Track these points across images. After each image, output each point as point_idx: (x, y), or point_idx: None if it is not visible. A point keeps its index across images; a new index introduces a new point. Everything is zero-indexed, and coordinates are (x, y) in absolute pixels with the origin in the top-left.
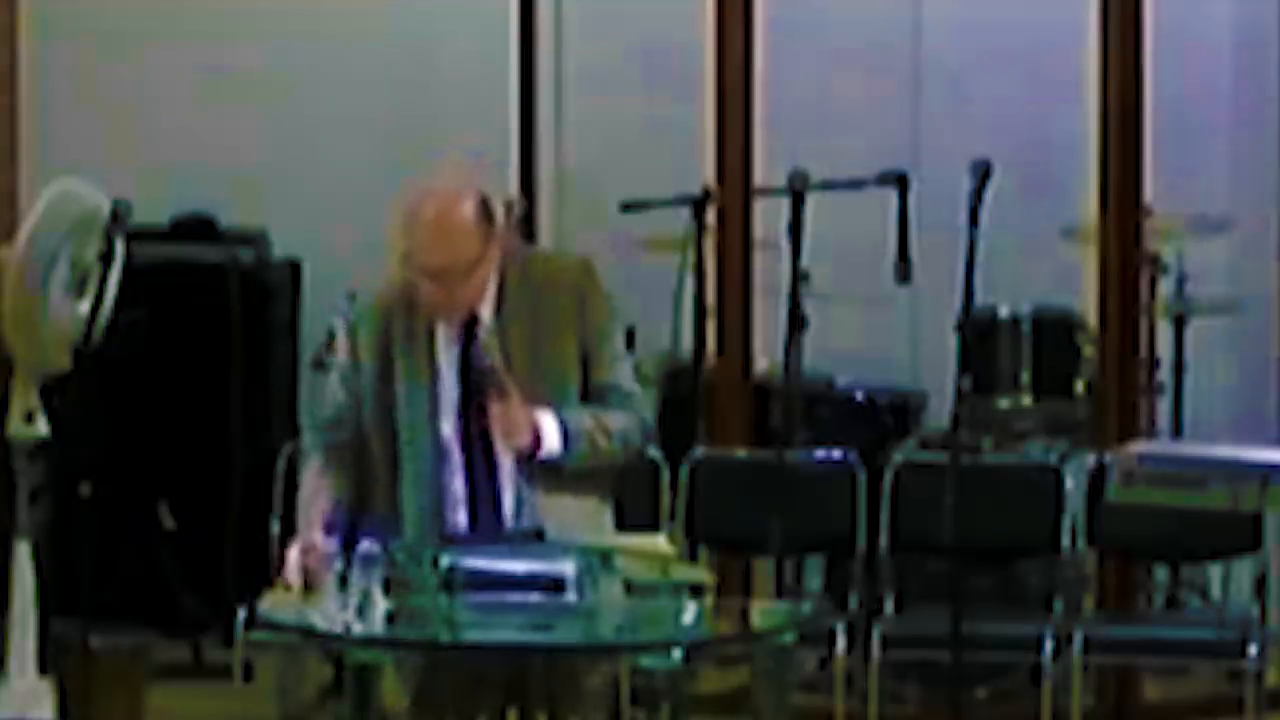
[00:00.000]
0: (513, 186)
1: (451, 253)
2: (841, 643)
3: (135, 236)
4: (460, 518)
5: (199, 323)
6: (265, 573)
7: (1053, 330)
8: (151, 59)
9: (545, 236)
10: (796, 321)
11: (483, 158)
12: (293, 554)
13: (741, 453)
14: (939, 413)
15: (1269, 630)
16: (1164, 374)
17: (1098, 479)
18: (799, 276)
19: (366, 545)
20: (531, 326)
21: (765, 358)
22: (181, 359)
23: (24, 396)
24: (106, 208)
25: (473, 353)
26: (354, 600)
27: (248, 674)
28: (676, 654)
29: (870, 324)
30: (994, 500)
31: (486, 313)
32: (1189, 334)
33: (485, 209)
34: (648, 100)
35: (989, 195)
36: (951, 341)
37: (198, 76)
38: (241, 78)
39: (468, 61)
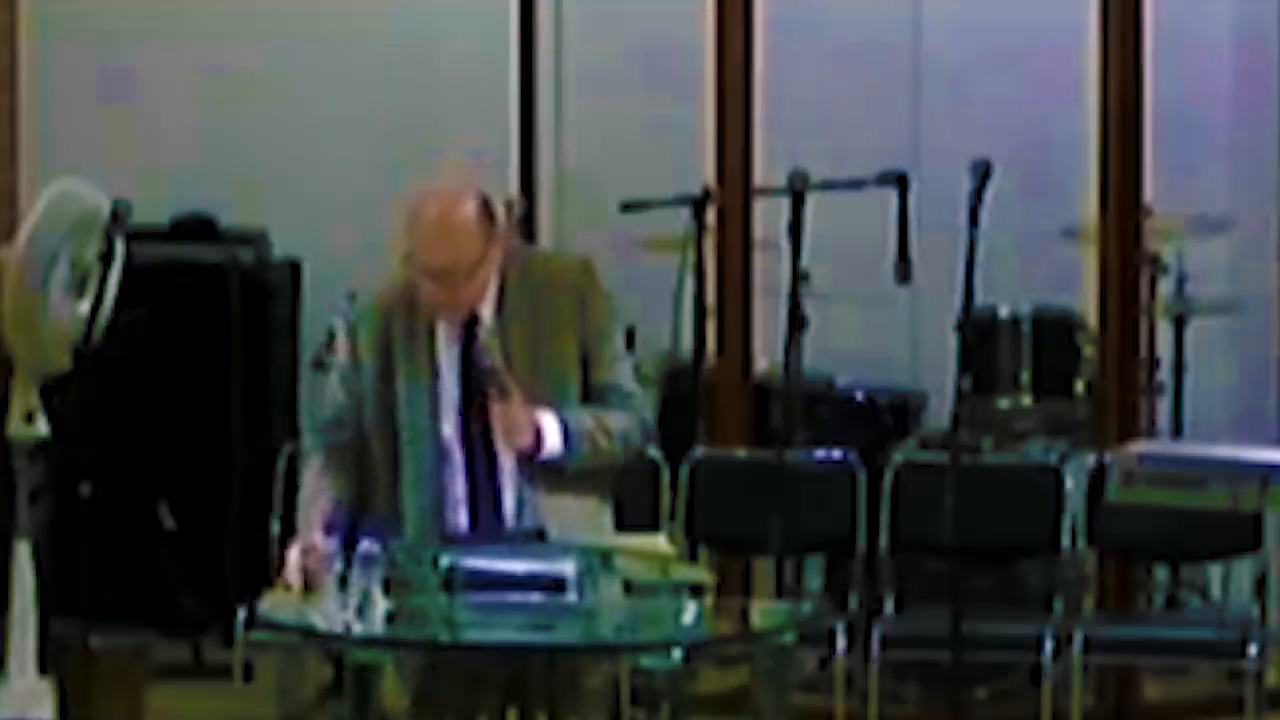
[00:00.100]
0: (513, 186)
1: (453, 253)
2: (841, 643)
3: (135, 236)
4: (461, 518)
5: (199, 323)
6: (265, 573)
7: (1053, 330)
8: (151, 59)
9: (545, 236)
10: (796, 321)
11: (483, 158)
12: (293, 555)
13: (741, 453)
14: (939, 413)
15: (1269, 630)
16: (1164, 374)
17: (1098, 479)
18: (799, 276)
19: (366, 545)
20: (532, 326)
21: (765, 358)
22: (181, 359)
23: (24, 396)
24: (106, 208)
25: (473, 353)
26: (354, 600)
27: (248, 674)
28: (676, 654)
29: (870, 324)
30: (994, 500)
31: (487, 313)
32: (1189, 334)
33: (487, 209)
34: (648, 100)
35: (989, 195)
36: (951, 341)
37: (198, 76)
38: (241, 78)
39: (468, 61)
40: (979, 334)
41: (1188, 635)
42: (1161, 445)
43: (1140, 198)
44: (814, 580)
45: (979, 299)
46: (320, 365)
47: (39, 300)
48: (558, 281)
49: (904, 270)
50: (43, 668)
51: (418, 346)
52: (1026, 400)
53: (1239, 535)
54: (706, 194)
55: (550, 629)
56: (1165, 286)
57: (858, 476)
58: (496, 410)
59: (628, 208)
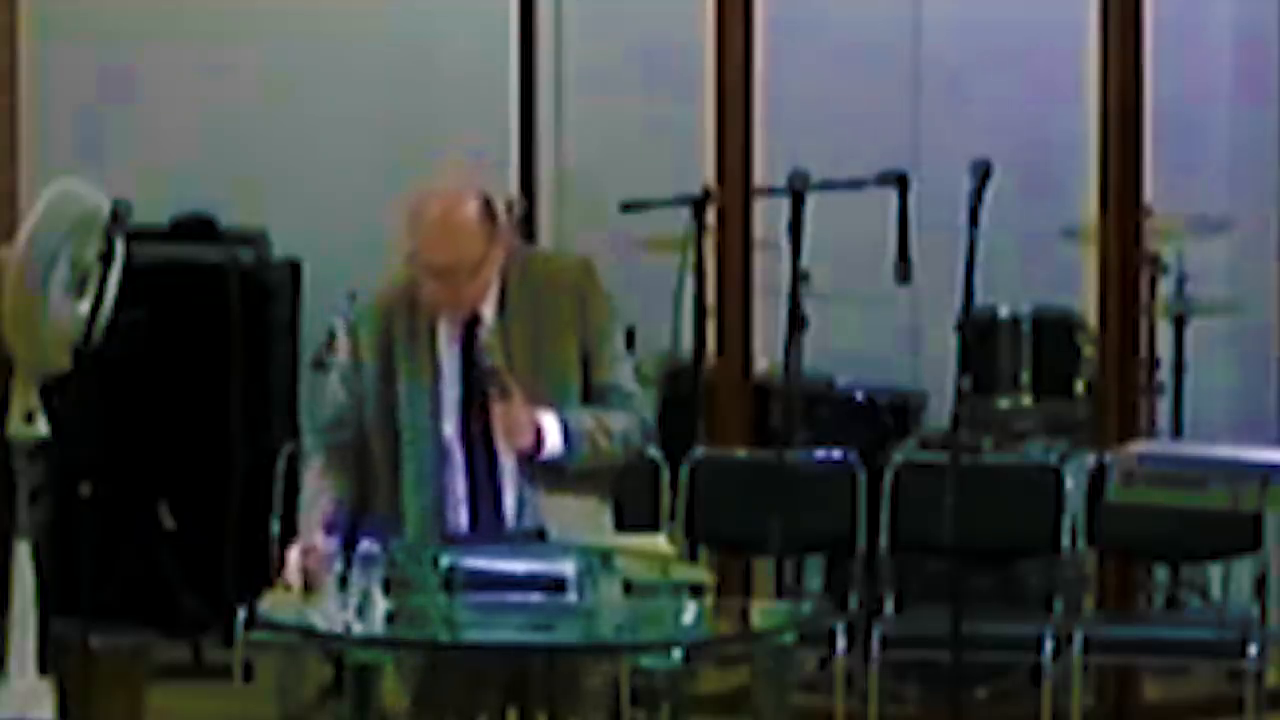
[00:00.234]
0: (513, 186)
1: (456, 251)
2: (841, 643)
3: (135, 236)
4: (461, 518)
5: (199, 323)
6: (265, 573)
7: (1053, 330)
8: (151, 59)
9: (545, 236)
10: (796, 321)
11: (483, 158)
12: (293, 555)
13: (741, 453)
14: (939, 413)
15: (1269, 630)
16: (1164, 374)
17: (1098, 479)
18: (799, 276)
19: (366, 545)
20: (533, 327)
21: (765, 358)
22: (181, 359)
23: (24, 396)
24: (106, 208)
25: (474, 352)
26: (354, 600)
27: (248, 674)
28: (676, 654)
29: (870, 324)
30: (994, 500)
31: (489, 312)
32: (1189, 334)
33: (489, 208)
34: (648, 100)
35: (989, 195)
36: (951, 341)
37: (198, 76)
38: (241, 78)
39: (468, 61)
40: (979, 334)
41: (1188, 635)
42: (1161, 445)
43: (1140, 198)
44: (814, 580)
45: (979, 299)
46: (320, 365)
47: (39, 300)
48: (558, 282)
49: (904, 270)
50: (43, 668)
51: (419, 346)
52: (1026, 400)
53: (1239, 535)
54: (706, 194)
55: (550, 629)
56: (1165, 286)
57: (858, 476)
58: (497, 410)
59: (628, 208)
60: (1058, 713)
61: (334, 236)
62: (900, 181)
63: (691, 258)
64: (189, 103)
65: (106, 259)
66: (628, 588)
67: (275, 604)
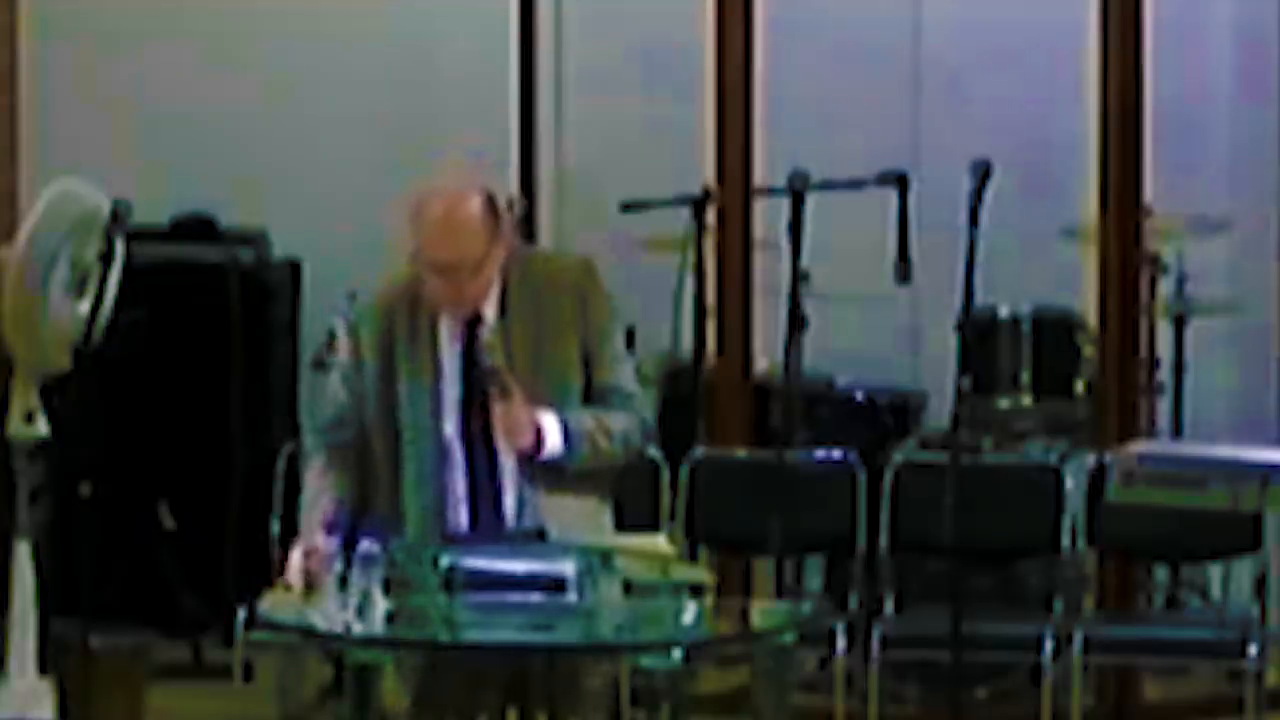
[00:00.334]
0: (513, 186)
1: (459, 249)
2: (841, 643)
3: (135, 236)
4: (462, 517)
5: (199, 323)
6: (265, 573)
7: (1053, 330)
8: (151, 59)
9: (545, 236)
10: (796, 321)
11: (483, 158)
12: (295, 556)
13: (741, 453)
14: (939, 413)
15: (1269, 630)
16: (1164, 374)
17: (1098, 479)
18: (799, 276)
19: (366, 545)
20: (533, 326)
21: (765, 358)
22: (181, 359)
23: (24, 396)
24: (106, 208)
25: (475, 352)
26: (354, 600)
27: (248, 674)
28: (676, 654)
29: (870, 324)
30: (994, 500)
31: (490, 312)
32: (1189, 334)
33: (491, 206)
34: (648, 100)
35: (989, 195)
36: (951, 341)
37: (197, 76)
38: (241, 78)
39: (468, 61)
40: (979, 334)
41: (1188, 635)
42: (1161, 445)
43: (1140, 198)
44: (814, 580)
45: (979, 299)
46: (320, 365)
47: (39, 300)
48: (559, 281)
49: (904, 270)
50: (43, 668)
51: (420, 345)
52: (1026, 400)
53: (1239, 535)
54: (706, 194)
55: (550, 629)
56: (1165, 286)
57: (858, 476)
58: (497, 410)
59: (628, 208)
60: (1058, 713)
61: (334, 236)
62: (900, 181)
63: (691, 258)
64: (189, 103)
65: (106, 259)
66: (628, 588)
67: (275, 604)
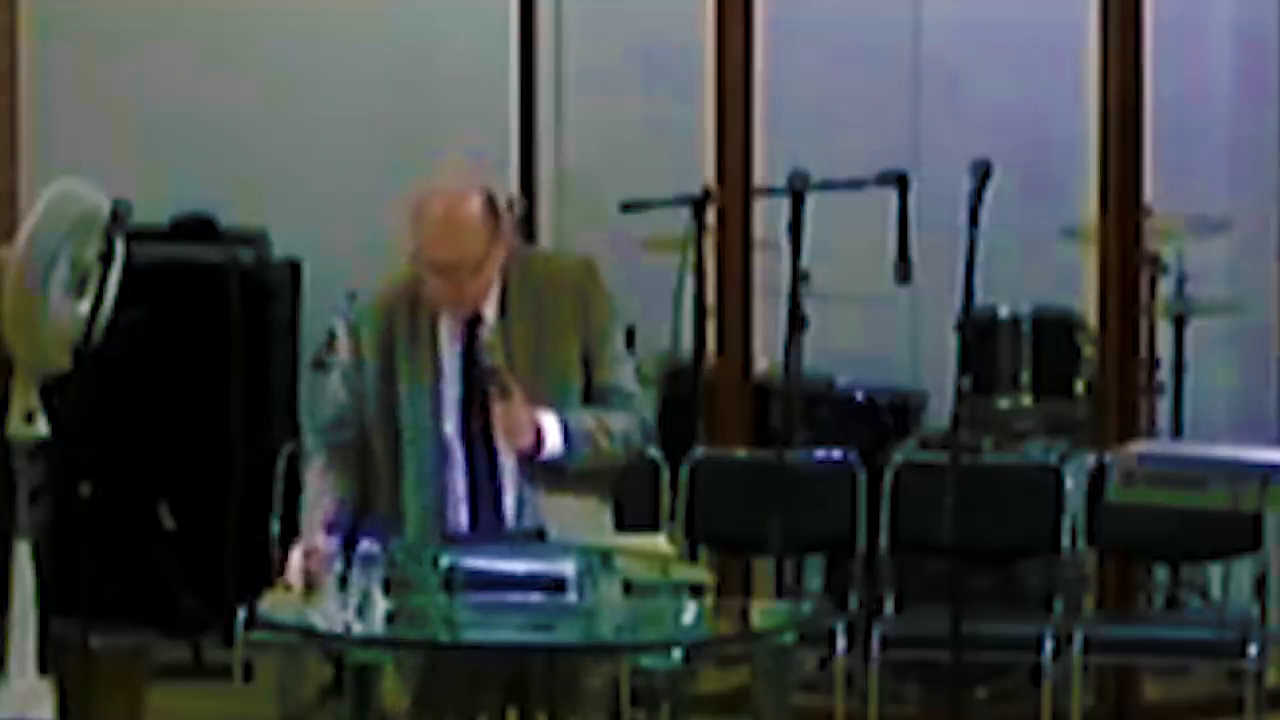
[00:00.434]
0: (513, 186)
1: (459, 248)
2: (841, 643)
3: (135, 236)
4: (462, 517)
5: (199, 323)
6: (265, 573)
7: (1053, 330)
8: (151, 59)
9: (545, 236)
10: (796, 321)
11: (483, 158)
12: (295, 556)
13: (741, 453)
14: (939, 413)
15: (1269, 630)
16: (1164, 374)
17: (1098, 479)
18: (799, 276)
19: (366, 545)
20: (534, 326)
21: (765, 358)
22: (181, 359)
23: (24, 396)
24: (106, 208)
25: (475, 352)
26: (354, 600)
27: (248, 674)
28: (676, 654)
29: (870, 324)
30: (994, 500)
31: (491, 312)
32: (1189, 334)
33: (492, 206)
34: (648, 100)
35: (989, 195)
36: (951, 341)
37: (198, 76)
38: (241, 78)
39: (468, 61)
40: (979, 334)
41: (1188, 635)
42: (1161, 445)
43: (1140, 198)
44: (814, 580)
45: (979, 299)
46: (320, 365)
47: (39, 300)
48: (559, 281)
49: (904, 270)
50: (43, 668)
51: (420, 345)
52: (1026, 400)
53: (1239, 535)
54: (706, 194)
55: (550, 629)
56: (1165, 286)
57: (858, 476)
58: (498, 410)
59: (628, 208)
60: (1058, 713)
61: (334, 236)
62: (900, 181)
63: (691, 258)
64: (189, 103)
65: (106, 259)
66: (628, 588)
67: (275, 604)
